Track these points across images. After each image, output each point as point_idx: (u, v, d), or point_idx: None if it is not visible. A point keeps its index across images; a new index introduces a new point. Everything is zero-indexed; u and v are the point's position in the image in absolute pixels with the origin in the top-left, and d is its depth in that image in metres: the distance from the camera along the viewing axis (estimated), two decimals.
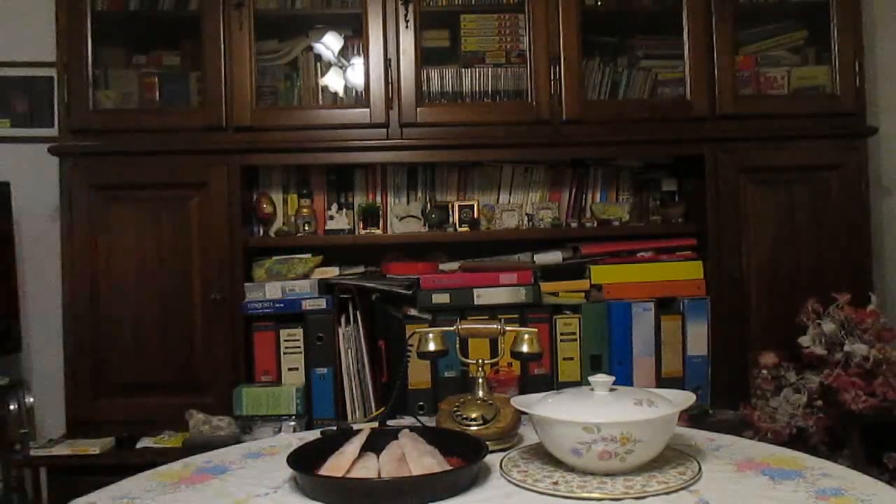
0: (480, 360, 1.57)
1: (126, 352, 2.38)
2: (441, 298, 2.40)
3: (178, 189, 2.42)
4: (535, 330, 1.61)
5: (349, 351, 2.39)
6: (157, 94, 2.58)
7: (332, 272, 2.49)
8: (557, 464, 1.26)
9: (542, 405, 1.27)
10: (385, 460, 1.26)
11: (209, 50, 2.43)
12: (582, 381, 2.35)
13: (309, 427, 2.27)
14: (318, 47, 2.61)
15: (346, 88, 2.62)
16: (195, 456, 1.45)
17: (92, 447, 2.23)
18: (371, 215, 2.59)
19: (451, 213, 2.59)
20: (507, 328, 1.60)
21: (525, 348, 1.58)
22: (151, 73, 2.60)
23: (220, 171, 2.41)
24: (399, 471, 1.21)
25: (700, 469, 1.24)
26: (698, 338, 2.44)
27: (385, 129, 2.46)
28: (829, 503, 1.11)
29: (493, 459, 1.29)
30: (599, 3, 2.62)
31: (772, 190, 2.51)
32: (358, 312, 2.40)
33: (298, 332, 2.38)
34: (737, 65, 2.55)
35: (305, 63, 2.61)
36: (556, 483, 1.19)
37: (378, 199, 2.65)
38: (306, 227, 2.54)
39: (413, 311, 2.41)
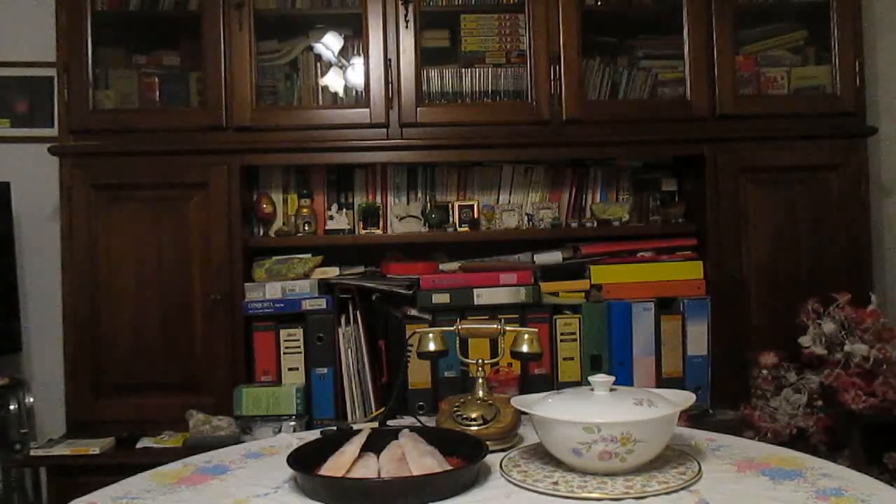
0: (480, 360, 1.57)
1: (126, 352, 2.38)
2: (441, 298, 2.40)
3: (178, 189, 2.41)
4: (535, 330, 1.61)
5: (349, 351, 2.39)
6: (157, 94, 2.58)
7: (332, 272, 2.48)
8: (557, 464, 1.26)
9: (542, 405, 1.27)
10: (385, 460, 1.26)
11: (209, 50, 2.43)
12: (582, 381, 2.35)
13: (309, 427, 2.27)
14: (318, 47, 2.60)
15: (346, 88, 2.62)
16: (195, 456, 1.45)
17: (92, 447, 2.23)
18: (371, 215, 2.59)
19: (451, 213, 2.59)
20: (507, 328, 1.61)
21: (525, 348, 1.58)
22: (151, 73, 2.59)
23: (220, 171, 2.41)
24: (399, 471, 1.21)
25: (700, 469, 1.24)
26: (698, 338, 2.44)
27: (385, 129, 2.46)
28: (829, 503, 1.11)
29: (493, 459, 1.29)
30: (599, 3, 2.62)
31: (772, 190, 2.50)
32: (358, 312, 2.40)
33: (298, 332, 2.38)
34: (737, 65, 2.55)
35: (305, 63, 2.61)
36: (556, 483, 1.19)
37: (378, 199, 2.65)
38: (306, 227, 2.54)
39: (413, 311, 2.41)
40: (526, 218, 2.62)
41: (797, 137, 2.51)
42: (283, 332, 2.38)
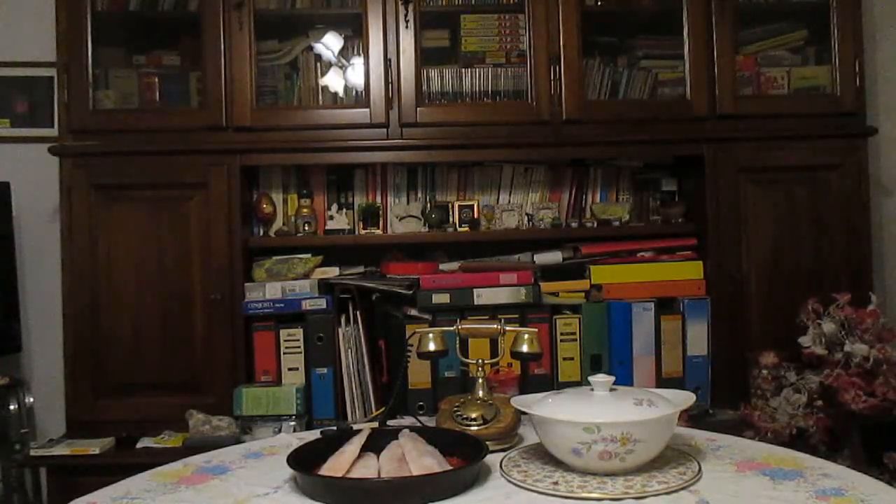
0: (480, 360, 1.57)
1: (126, 352, 2.38)
2: (441, 298, 2.40)
3: (178, 189, 2.41)
4: (535, 330, 1.61)
5: (349, 351, 2.39)
6: (157, 94, 2.58)
7: (332, 272, 2.49)
8: (557, 464, 1.26)
9: (542, 405, 1.27)
10: (385, 460, 1.26)
11: (209, 50, 2.43)
12: (582, 381, 2.35)
13: (309, 427, 2.27)
14: (318, 47, 2.60)
15: (346, 88, 2.62)
16: (195, 456, 1.45)
17: (92, 447, 2.23)
18: (371, 215, 2.59)
19: (451, 213, 2.59)
20: (507, 328, 1.61)
21: (525, 348, 1.58)
22: (151, 73, 2.60)
23: (220, 171, 2.41)
24: (399, 471, 1.21)
25: (700, 469, 1.24)
26: (698, 338, 2.44)
27: (385, 129, 2.46)
28: (829, 503, 1.11)
29: (493, 459, 1.29)
30: (599, 3, 2.62)
31: (772, 190, 2.50)
32: (358, 312, 2.40)
33: (298, 332, 2.38)
34: (737, 65, 2.55)
35: (305, 63, 2.61)
36: (556, 483, 1.19)
37: (378, 199, 2.65)
38: (306, 227, 2.54)
39: (413, 311, 2.41)
40: (526, 218, 2.62)
41: (797, 137, 2.51)
42: (283, 332, 2.38)
